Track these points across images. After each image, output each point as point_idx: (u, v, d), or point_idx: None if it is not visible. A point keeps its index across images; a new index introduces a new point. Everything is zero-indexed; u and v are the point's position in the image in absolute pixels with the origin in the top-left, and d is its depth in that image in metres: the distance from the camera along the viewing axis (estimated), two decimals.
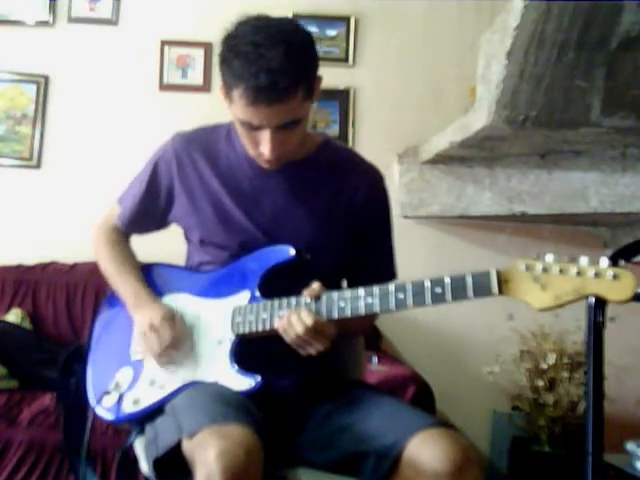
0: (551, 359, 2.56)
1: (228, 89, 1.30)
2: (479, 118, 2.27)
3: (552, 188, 2.74)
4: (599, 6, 1.87)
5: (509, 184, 2.84)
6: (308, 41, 1.33)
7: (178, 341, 1.41)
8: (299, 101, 1.29)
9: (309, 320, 1.26)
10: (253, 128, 1.31)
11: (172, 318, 1.43)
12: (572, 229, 3.10)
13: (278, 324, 1.31)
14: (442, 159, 2.91)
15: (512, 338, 2.61)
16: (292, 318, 1.28)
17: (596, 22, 1.91)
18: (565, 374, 2.56)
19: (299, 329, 1.27)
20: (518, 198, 2.82)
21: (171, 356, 1.41)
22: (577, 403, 2.57)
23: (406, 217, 3.01)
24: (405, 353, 3.06)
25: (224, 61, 1.30)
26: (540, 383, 2.59)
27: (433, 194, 3.00)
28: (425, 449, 1.19)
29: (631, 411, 2.86)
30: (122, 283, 1.54)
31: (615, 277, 1.07)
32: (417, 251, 3.05)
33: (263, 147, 1.32)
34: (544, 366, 2.58)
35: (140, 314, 1.46)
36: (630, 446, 2.20)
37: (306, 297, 1.31)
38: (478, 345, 2.98)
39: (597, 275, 1.08)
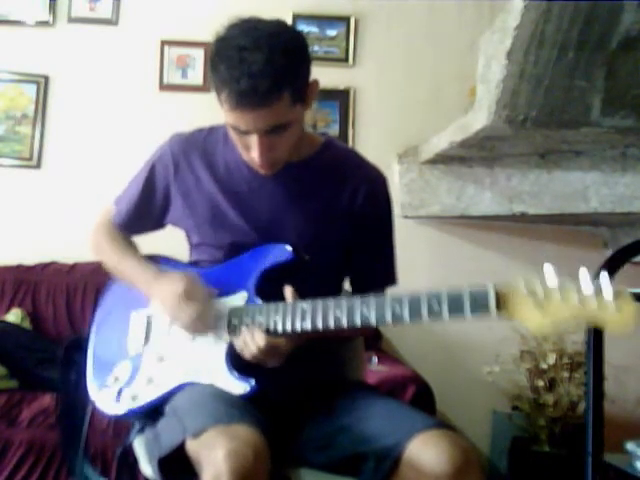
0: (551, 359, 2.56)
1: (217, 93, 1.30)
2: (479, 118, 2.27)
3: (552, 188, 2.74)
4: (599, 6, 1.87)
5: (509, 184, 2.84)
6: (296, 44, 1.30)
7: (209, 295, 1.40)
8: (285, 105, 1.27)
9: (262, 342, 1.28)
10: (242, 132, 1.31)
11: (193, 278, 1.41)
12: (572, 229, 3.10)
13: (236, 343, 1.33)
14: (442, 159, 2.91)
15: (512, 338, 2.61)
16: (247, 338, 1.30)
17: (596, 22, 1.91)
18: (565, 374, 2.56)
19: (253, 350, 1.29)
20: (518, 198, 2.82)
21: (207, 315, 1.39)
22: (577, 403, 2.57)
23: (406, 217, 3.01)
24: (405, 353, 3.06)
25: (212, 65, 1.29)
26: (540, 383, 2.59)
27: (433, 194, 3.00)
28: (426, 451, 1.19)
29: (631, 411, 2.86)
30: (129, 269, 1.52)
31: (617, 309, 1.03)
32: (418, 251, 3.05)
33: (253, 152, 1.32)
34: (544, 366, 2.58)
35: (159, 290, 1.43)
36: (630, 446, 2.19)
37: (302, 303, 1.30)
38: (478, 345, 2.98)
39: (599, 306, 1.05)
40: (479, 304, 1.13)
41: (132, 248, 1.59)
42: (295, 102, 1.29)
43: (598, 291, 1.06)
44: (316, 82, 1.36)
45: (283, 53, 1.25)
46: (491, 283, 1.13)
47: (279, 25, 1.31)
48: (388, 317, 1.21)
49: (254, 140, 1.30)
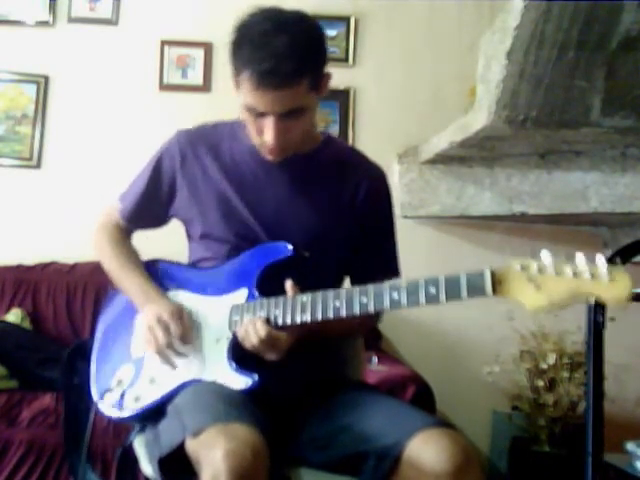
0: (551, 359, 2.56)
1: (236, 75, 1.33)
2: (479, 118, 2.27)
3: (552, 188, 2.74)
4: (599, 6, 1.87)
5: (509, 184, 2.84)
6: (316, 33, 1.35)
7: (185, 337, 1.41)
8: (304, 90, 1.30)
9: (263, 332, 1.29)
10: (258, 115, 1.33)
11: (181, 314, 1.43)
12: (572, 229, 3.10)
13: (238, 331, 1.34)
14: (442, 159, 2.91)
15: (512, 338, 2.61)
16: (249, 328, 1.31)
17: (596, 22, 1.91)
18: (565, 374, 2.56)
19: (254, 340, 1.30)
20: (518, 198, 2.82)
21: (175, 353, 1.41)
22: (577, 403, 2.57)
23: (406, 217, 3.01)
24: (405, 353, 3.06)
25: (234, 48, 1.33)
26: (540, 383, 2.59)
27: (433, 194, 3.00)
28: (426, 449, 1.19)
29: (631, 411, 2.86)
30: (128, 280, 1.53)
31: (611, 278, 1.04)
32: (417, 251, 3.04)
33: (267, 134, 1.33)
34: (544, 366, 2.58)
35: (148, 308, 1.45)
36: (630, 446, 2.19)
37: (302, 296, 1.31)
38: (478, 345, 2.98)
39: (593, 276, 1.05)
40: (475, 284, 1.14)
41: (134, 258, 1.59)
42: (311, 89, 1.32)
43: (591, 263, 1.07)
44: (329, 74, 1.39)
45: (305, 39, 1.30)
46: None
47: (300, 13, 1.35)
48: (386, 301, 1.23)
49: (270, 122, 1.32)
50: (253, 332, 1.31)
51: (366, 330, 1.79)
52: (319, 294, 1.30)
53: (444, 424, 1.27)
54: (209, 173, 1.48)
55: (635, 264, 1.45)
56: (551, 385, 2.59)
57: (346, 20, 3.16)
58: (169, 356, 1.41)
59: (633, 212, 2.59)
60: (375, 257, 1.53)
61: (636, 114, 2.15)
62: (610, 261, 1.07)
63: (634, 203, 2.56)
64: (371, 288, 1.26)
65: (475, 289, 1.14)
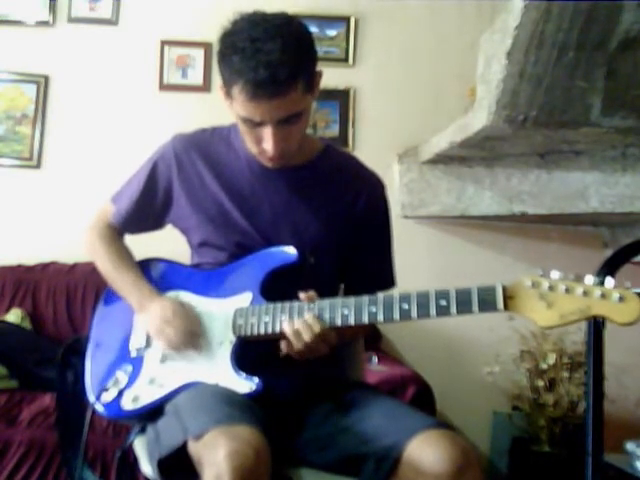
0: (551, 359, 2.56)
1: (228, 86, 1.30)
2: (479, 118, 2.27)
3: (552, 188, 2.74)
4: (599, 6, 1.87)
5: (509, 184, 2.84)
6: (305, 34, 1.33)
7: (194, 330, 1.41)
8: (300, 94, 1.28)
9: (318, 327, 1.27)
10: (255, 124, 1.31)
11: (182, 308, 1.43)
12: (572, 229, 3.10)
13: (286, 331, 1.31)
14: (442, 159, 2.91)
15: (512, 338, 2.61)
16: (300, 327, 1.29)
17: (596, 22, 1.91)
18: (565, 374, 2.56)
19: (307, 337, 1.27)
20: (518, 198, 2.82)
21: (191, 347, 1.40)
22: (577, 403, 2.57)
23: (406, 217, 3.00)
24: (405, 353, 3.06)
25: (222, 58, 1.30)
26: (540, 383, 2.59)
27: (433, 194, 2.99)
28: (425, 450, 1.19)
29: (631, 411, 2.86)
30: (121, 280, 1.53)
31: (621, 299, 1.06)
32: (417, 251, 3.05)
33: (266, 144, 1.32)
34: (544, 366, 2.58)
35: (148, 311, 1.45)
36: (630, 446, 2.19)
37: (308, 302, 1.31)
38: (478, 345, 2.98)
39: (603, 296, 1.07)
40: (487, 299, 1.15)
41: (127, 258, 1.58)
42: (306, 91, 1.31)
43: (601, 283, 1.08)
44: (321, 72, 1.37)
45: (296, 42, 1.27)
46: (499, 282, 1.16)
47: (285, 16, 1.32)
48: (396, 314, 1.23)
49: (268, 131, 1.30)
50: (306, 329, 1.28)
51: (368, 332, 1.79)
52: (327, 301, 1.30)
53: (443, 425, 1.27)
54: (206, 183, 1.46)
55: (635, 264, 1.45)
56: (551, 385, 2.59)
57: (346, 20, 3.16)
58: (187, 351, 1.40)
59: (633, 212, 2.59)
60: (371, 265, 1.52)
61: (636, 114, 2.15)
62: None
63: (634, 203, 2.56)
64: (381, 297, 1.26)
65: (486, 304, 1.15)
